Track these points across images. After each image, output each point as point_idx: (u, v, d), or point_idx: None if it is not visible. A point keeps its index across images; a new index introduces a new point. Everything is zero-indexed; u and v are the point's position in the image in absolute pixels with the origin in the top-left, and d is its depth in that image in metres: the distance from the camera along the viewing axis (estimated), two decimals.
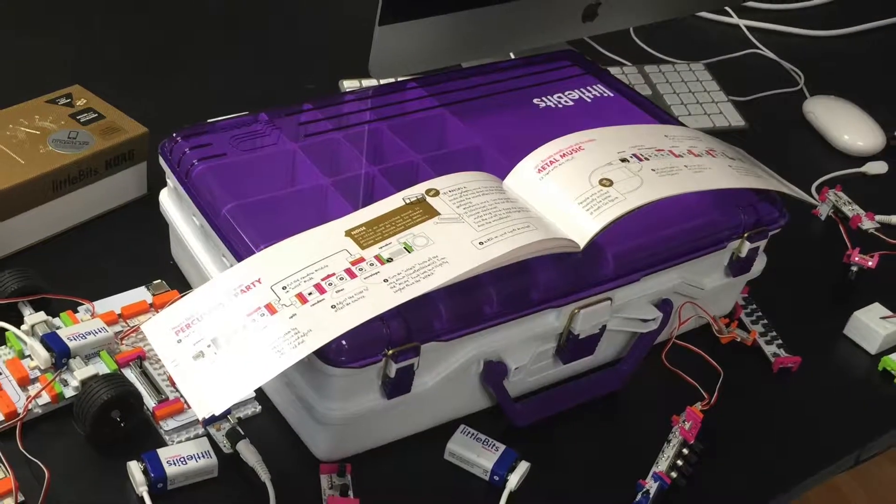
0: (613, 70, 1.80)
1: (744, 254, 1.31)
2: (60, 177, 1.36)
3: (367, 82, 1.70)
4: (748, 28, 2.05)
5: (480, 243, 1.09)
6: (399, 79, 1.48)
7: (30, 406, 1.15)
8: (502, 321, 1.15)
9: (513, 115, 1.40)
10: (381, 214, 1.12)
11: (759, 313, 1.40)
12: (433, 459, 1.18)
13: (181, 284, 1.33)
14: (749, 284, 1.40)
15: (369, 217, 1.12)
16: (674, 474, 1.16)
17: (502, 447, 1.17)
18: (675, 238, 1.26)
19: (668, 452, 1.18)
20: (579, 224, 1.15)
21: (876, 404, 1.34)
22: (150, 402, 1.18)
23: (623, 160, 1.21)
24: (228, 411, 1.18)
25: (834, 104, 1.82)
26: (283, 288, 1.05)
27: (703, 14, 2.07)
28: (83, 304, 1.27)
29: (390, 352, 1.07)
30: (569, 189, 1.18)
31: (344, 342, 1.04)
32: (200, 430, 1.17)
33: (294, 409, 1.17)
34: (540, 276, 1.16)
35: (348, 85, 1.71)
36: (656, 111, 1.43)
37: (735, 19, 2.06)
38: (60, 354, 1.18)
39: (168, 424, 1.17)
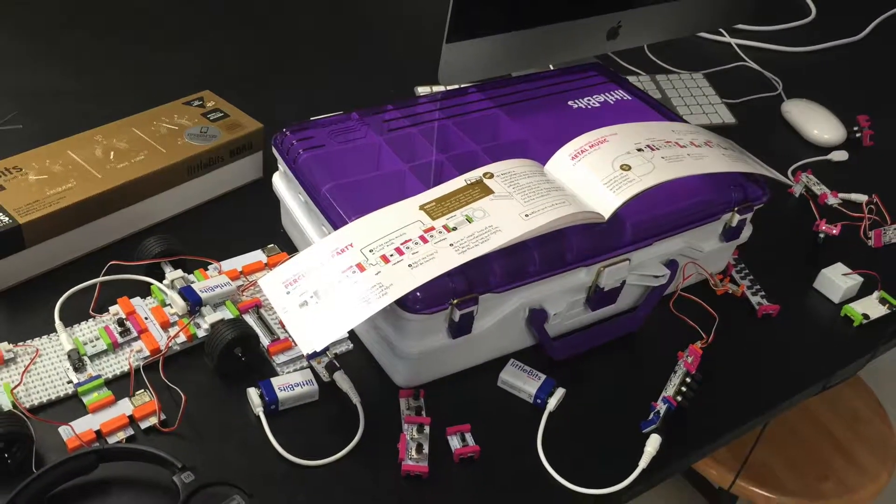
0: (631, 79, 1.79)
1: (734, 224, 1.29)
2: (194, 163, 1.35)
3: (436, 88, 1.69)
4: (738, 45, 2.02)
5: (526, 215, 1.08)
6: (462, 85, 1.47)
7: (170, 344, 1.15)
8: (543, 277, 1.14)
9: (551, 114, 1.39)
10: (448, 192, 1.12)
11: (747, 271, 1.39)
12: (488, 386, 1.18)
13: (289, 248, 1.33)
14: (738, 248, 1.39)
15: (438, 195, 1.11)
16: (679, 398, 1.15)
17: (543, 376, 1.17)
18: (680, 211, 1.24)
19: (675, 381, 1.18)
20: (604, 200, 1.14)
21: (839, 343, 1.32)
22: (265, 340, 1.18)
23: (639, 150, 1.20)
24: (327, 348, 1.17)
25: (806, 105, 1.80)
26: (370, 251, 1.04)
27: (702, 34, 2.04)
28: (212, 264, 1.27)
29: (455, 301, 1.07)
30: (596, 172, 1.17)
31: (418, 293, 1.04)
32: (305, 363, 1.16)
33: (379, 346, 1.17)
34: (573, 241, 1.15)
35: (422, 90, 1.70)
36: (665, 111, 1.41)
37: (727, 38, 2.04)
38: (194, 303, 1.18)
39: (279, 358, 1.16)
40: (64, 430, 1.05)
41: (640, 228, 1.20)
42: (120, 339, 1.15)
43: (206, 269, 1.26)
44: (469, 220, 1.07)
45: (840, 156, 1.72)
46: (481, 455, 1.09)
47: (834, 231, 1.47)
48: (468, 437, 1.10)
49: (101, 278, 1.22)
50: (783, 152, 1.72)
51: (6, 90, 1.63)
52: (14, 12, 1.87)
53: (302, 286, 1.05)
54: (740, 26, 2.09)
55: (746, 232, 1.34)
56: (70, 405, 1.09)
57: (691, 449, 1.14)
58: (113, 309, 1.19)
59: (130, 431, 1.06)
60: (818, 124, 1.75)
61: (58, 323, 1.16)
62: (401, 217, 1.08)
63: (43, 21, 1.86)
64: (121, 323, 1.17)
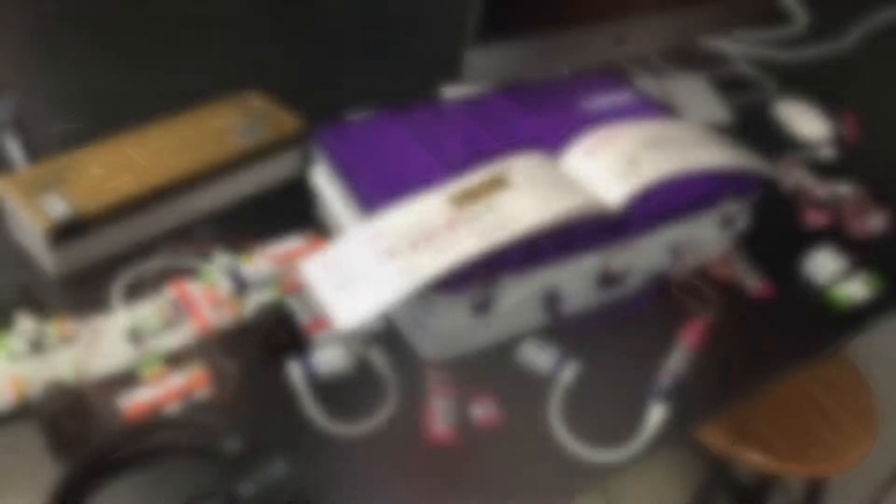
0: (638, 81, 1.77)
1: (732, 213, 1.28)
2: (240, 158, 1.35)
3: (461, 89, 1.68)
4: (735, 50, 2.01)
5: (542, 206, 1.07)
6: (484, 87, 1.46)
7: (219, 323, 1.15)
8: (557, 261, 1.13)
9: (566, 113, 1.37)
10: (471, 185, 1.11)
11: (743, 256, 1.38)
12: (508, 361, 1.17)
13: (327, 236, 1.32)
14: (735, 235, 1.37)
15: (462, 187, 1.11)
16: (681, 372, 1.15)
17: (558, 352, 1.16)
18: (683, 202, 1.23)
19: (677, 356, 1.17)
20: (613, 192, 1.14)
21: (826, 321, 1.31)
22: (305, 320, 1.17)
23: (645, 146, 1.20)
24: (362, 326, 1.16)
25: (797, 105, 1.79)
26: (401, 238, 1.04)
27: (703, 40, 2.03)
28: (257, 250, 1.26)
29: (477, 284, 1.06)
30: (606, 167, 1.17)
31: (444, 277, 1.03)
32: (341, 340, 1.16)
33: (408, 324, 1.16)
34: (585, 229, 1.14)
35: (448, 91, 1.69)
36: (669, 111, 1.40)
37: (725, 44, 2.02)
38: (241, 285, 1.18)
39: (318, 336, 1.16)
40: (122, 401, 1.04)
41: (645, 217, 1.19)
42: (173, 318, 1.15)
43: (252, 255, 1.26)
44: (490, 210, 1.07)
45: (827, 151, 1.70)
46: (501, 423, 1.09)
47: (822, 220, 1.46)
48: (490, 407, 1.09)
49: (156, 262, 1.22)
50: (776, 148, 1.70)
51: (70, 91, 1.63)
52: (82, 18, 1.87)
53: (339, 270, 1.05)
54: (737, 32, 2.08)
55: (743, 220, 1.33)
56: (128, 378, 1.09)
57: (692, 418, 1.14)
58: (167, 290, 1.19)
59: (183, 402, 1.06)
60: (808, 122, 1.74)
61: (117, 303, 1.16)
62: (428, 207, 1.08)
63: (108, 26, 1.85)
64: (174, 303, 1.16)
